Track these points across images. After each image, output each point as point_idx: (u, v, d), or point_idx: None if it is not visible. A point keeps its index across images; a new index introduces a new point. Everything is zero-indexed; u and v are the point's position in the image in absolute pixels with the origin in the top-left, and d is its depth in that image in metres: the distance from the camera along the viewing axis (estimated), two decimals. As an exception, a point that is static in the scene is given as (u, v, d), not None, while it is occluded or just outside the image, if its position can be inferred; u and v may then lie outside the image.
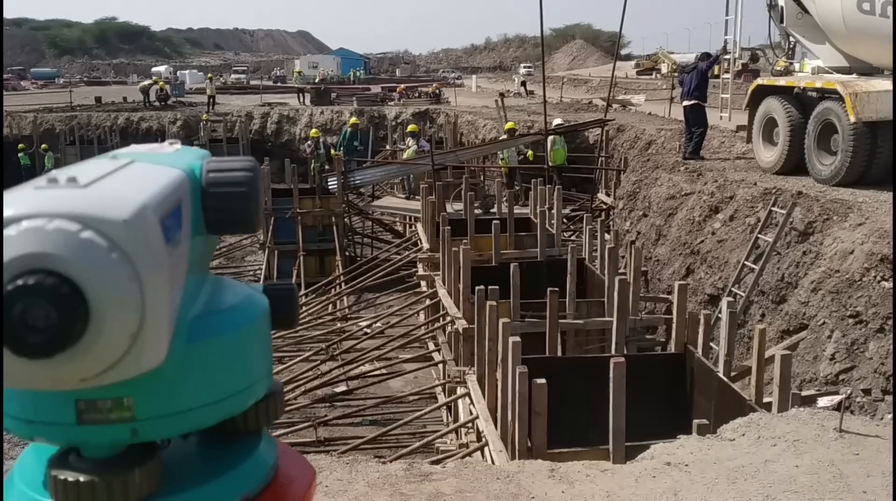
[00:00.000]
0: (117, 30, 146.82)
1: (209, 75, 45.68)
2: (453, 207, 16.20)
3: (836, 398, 5.26)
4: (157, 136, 31.98)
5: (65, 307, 0.55)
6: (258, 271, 18.82)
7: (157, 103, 36.74)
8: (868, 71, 10.70)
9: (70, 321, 0.55)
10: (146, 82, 40.70)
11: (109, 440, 0.66)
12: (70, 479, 0.64)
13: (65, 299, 0.55)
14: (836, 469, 3.48)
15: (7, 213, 0.56)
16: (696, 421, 5.47)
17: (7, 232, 0.55)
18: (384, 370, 11.88)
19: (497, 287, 8.41)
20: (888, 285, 7.38)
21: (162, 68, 72.83)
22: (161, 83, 39.80)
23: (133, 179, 0.64)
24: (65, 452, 0.68)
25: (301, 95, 39.95)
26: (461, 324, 9.60)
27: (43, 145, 30.40)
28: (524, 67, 74.53)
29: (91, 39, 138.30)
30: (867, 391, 6.86)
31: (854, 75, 10.74)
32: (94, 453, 0.67)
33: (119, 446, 0.67)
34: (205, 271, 0.75)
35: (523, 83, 48.85)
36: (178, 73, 70.49)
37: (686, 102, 13.83)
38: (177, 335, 0.64)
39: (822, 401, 5.46)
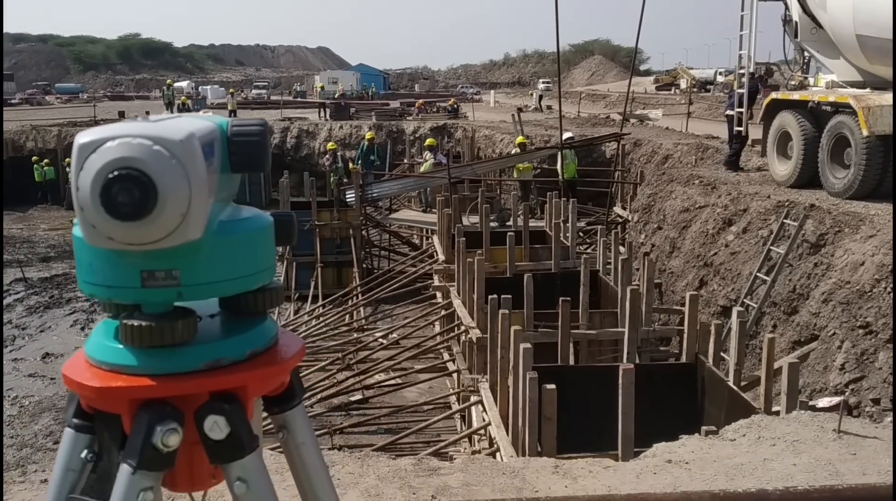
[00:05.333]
0: (140, 46, 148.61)
1: (230, 90, 46.31)
2: (469, 219, 16.35)
3: (836, 400, 5.33)
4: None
5: (144, 190, 0.89)
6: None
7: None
8: (882, 85, 10.75)
9: (146, 199, 0.89)
10: (166, 88, 41.59)
11: (162, 299, 0.99)
12: (136, 324, 0.97)
13: (144, 185, 0.89)
14: (832, 467, 3.57)
15: (107, 134, 0.93)
16: (704, 428, 5.56)
17: (108, 144, 0.91)
18: (399, 380, 12.01)
19: (510, 297, 8.52)
20: (898, 295, 7.44)
21: (184, 84, 73.71)
22: (183, 98, 40.37)
23: (183, 122, 0.96)
24: (130, 310, 1.00)
25: (322, 109, 40.31)
26: (475, 334, 9.72)
27: (67, 159, 30.91)
28: (542, 83, 74.59)
29: (115, 55, 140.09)
30: (876, 401, 6.92)
31: (868, 90, 10.80)
32: (151, 309, 1.00)
33: (168, 305, 1.01)
34: (230, 200, 1.08)
35: (540, 98, 49.00)
36: (200, 88, 71.29)
37: (730, 112, 14.16)
38: (209, 230, 0.99)
39: (822, 402, 5.53)
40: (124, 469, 0.98)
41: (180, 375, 0.99)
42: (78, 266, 1.02)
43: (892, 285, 7.58)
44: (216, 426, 0.99)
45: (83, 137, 0.93)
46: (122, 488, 0.97)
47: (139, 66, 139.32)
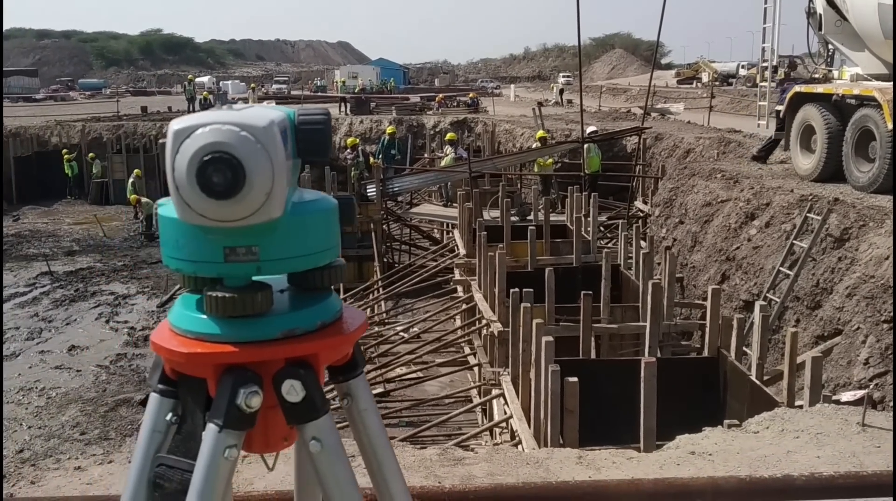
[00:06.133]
0: (162, 41, 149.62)
1: (251, 85, 46.47)
2: (490, 214, 16.36)
3: (860, 393, 5.32)
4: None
5: (234, 171, 1.01)
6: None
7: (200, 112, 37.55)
8: (908, 78, 10.64)
9: (237, 179, 1.01)
10: (187, 83, 41.81)
11: (243, 273, 1.11)
12: (220, 295, 1.08)
13: (234, 167, 1.01)
14: (856, 459, 3.58)
15: (199, 121, 1.04)
16: (726, 422, 5.57)
17: (201, 130, 1.02)
18: (420, 374, 12.07)
19: (531, 291, 8.54)
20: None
21: (205, 79, 74.07)
22: (205, 93, 40.60)
23: (263, 110, 1.06)
24: (213, 284, 1.11)
25: (343, 104, 40.43)
26: (496, 327, 9.75)
27: (90, 154, 31.23)
28: (563, 77, 74.12)
29: (137, 51, 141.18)
30: (900, 396, 6.87)
31: (893, 82, 10.69)
32: (232, 282, 1.11)
33: (248, 278, 1.11)
34: (295, 185, 1.18)
35: (561, 92, 48.78)
36: (221, 83, 71.64)
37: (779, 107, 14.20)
38: (285, 210, 1.08)
39: (846, 396, 5.52)
40: (211, 428, 1.08)
41: (260, 343, 1.10)
42: (164, 244, 1.13)
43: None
44: (293, 390, 1.10)
45: (177, 124, 1.03)
46: (209, 445, 1.08)
47: (161, 61, 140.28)
